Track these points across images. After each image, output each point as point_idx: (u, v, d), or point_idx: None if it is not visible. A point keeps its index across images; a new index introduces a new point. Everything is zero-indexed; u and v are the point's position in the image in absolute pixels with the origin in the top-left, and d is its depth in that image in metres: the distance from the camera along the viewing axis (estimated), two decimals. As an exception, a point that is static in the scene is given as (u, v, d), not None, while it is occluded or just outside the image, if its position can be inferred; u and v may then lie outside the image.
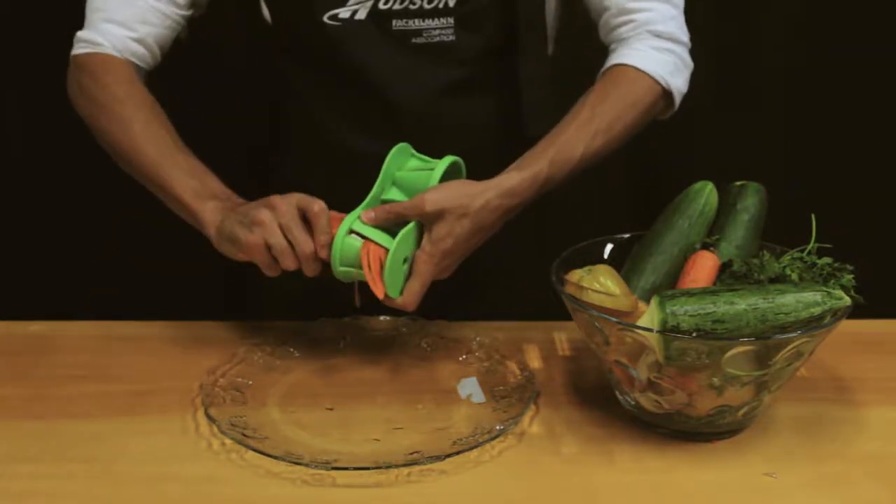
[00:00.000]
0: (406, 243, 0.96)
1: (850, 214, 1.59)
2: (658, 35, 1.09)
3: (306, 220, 0.95)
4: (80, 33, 1.11)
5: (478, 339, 1.10)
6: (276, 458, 0.87)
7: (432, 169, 0.99)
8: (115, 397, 1.00)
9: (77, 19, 1.13)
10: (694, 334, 0.85)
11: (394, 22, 1.09)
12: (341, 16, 1.08)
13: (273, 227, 0.93)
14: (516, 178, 0.99)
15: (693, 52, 1.13)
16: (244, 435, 0.90)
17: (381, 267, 0.94)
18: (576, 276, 0.95)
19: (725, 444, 0.93)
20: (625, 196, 1.78)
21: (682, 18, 1.12)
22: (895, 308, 1.15)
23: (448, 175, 0.99)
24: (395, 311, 1.00)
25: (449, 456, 0.87)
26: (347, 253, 0.95)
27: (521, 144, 1.06)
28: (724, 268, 0.98)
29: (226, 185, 1.04)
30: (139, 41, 1.10)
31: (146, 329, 1.15)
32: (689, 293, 0.88)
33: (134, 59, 1.11)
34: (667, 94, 1.09)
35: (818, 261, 0.94)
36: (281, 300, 1.26)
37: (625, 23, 1.10)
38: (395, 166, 1.01)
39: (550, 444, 0.92)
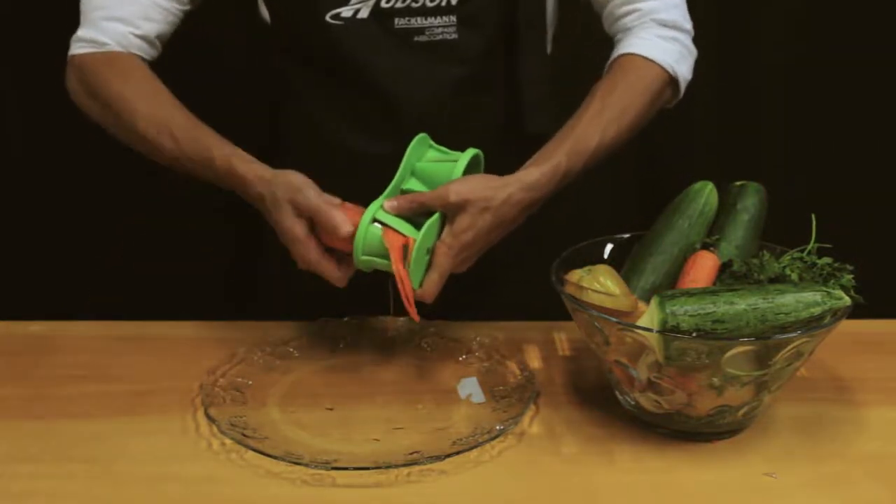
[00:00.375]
0: (430, 233, 0.96)
1: (850, 214, 1.59)
2: (663, 24, 1.10)
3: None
4: (79, 33, 1.11)
5: (478, 339, 1.10)
6: (275, 458, 0.87)
7: (453, 161, 1.00)
8: (115, 397, 1.00)
9: (76, 19, 1.13)
10: (694, 334, 0.85)
11: (396, 20, 1.09)
12: (343, 14, 1.09)
13: (302, 263, 0.98)
14: (536, 173, 1.00)
15: (694, 44, 1.13)
16: (244, 435, 0.90)
17: (406, 256, 0.94)
18: (576, 276, 0.95)
19: (725, 444, 0.93)
20: (625, 196, 1.77)
21: (685, 7, 1.13)
22: (895, 308, 1.15)
23: (468, 167, 1.00)
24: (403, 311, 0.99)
25: (449, 456, 0.87)
26: (370, 241, 0.95)
27: (522, 143, 1.06)
28: (724, 268, 0.98)
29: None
30: (142, 37, 1.10)
31: (146, 329, 1.15)
32: (689, 293, 0.88)
33: (140, 53, 1.11)
34: (673, 81, 1.10)
35: (818, 261, 0.94)
36: (281, 300, 1.26)
37: (629, 12, 1.11)
38: (416, 157, 1.01)
39: (550, 444, 0.92)
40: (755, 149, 1.75)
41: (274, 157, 1.22)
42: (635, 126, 1.07)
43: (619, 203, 1.75)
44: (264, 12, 1.16)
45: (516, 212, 0.99)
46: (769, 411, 0.97)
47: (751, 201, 1.04)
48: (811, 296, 0.87)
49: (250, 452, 0.88)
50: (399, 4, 1.08)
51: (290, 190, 0.96)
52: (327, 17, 1.09)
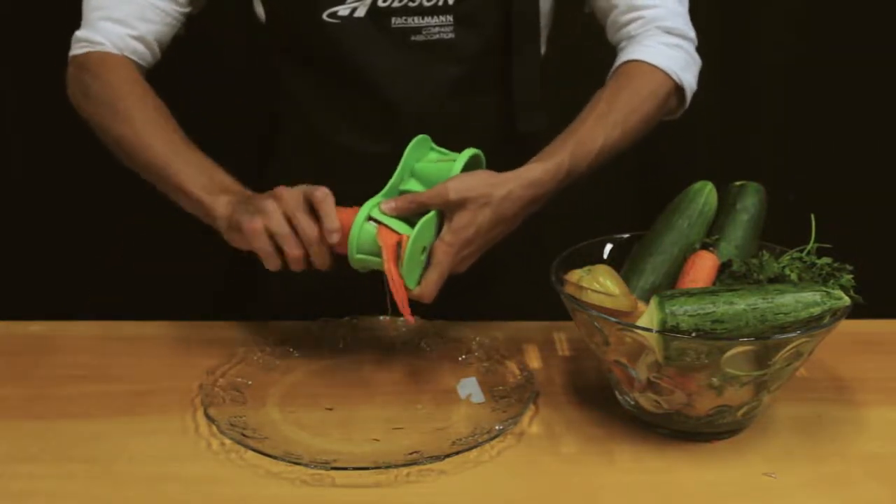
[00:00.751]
0: (426, 231, 0.95)
1: (849, 214, 1.59)
2: (667, 31, 1.10)
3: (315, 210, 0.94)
4: (77, 33, 1.11)
5: (478, 339, 1.10)
6: (275, 458, 0.87)
7: (451, 160, 0.99)
8: (115, 397, 1.00)
9: (77, 19, 1.13)
10: (693, 334, 0.85)
11: (393, 20, 1.09)
12: (340, 13, 1.09)
13: (276, 215, 0.92)
14: (539, 170, 0.99)
15: (696, 51, 1.13)
16: (244, 435, 0.90)
17: (400, 255, 0.93)
18: (575, 276, 0.95)
19: (725, 444, 0.93)
20: (625, 196, 1.77)
21: (688, 16, 1.13)
22: (895, 308, 1.15)
23: (468, 168, 0.99)
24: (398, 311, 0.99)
25: (448, 456, 0.87)
26: (365, 240, 0.94)
27: (520, 143, 1.06)
28: (724, 268, 0.98)
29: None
30: (139, 39, 1.10)
31: (146, 329, 1.15)
32: (689, 293, 0.88)
33: (134, 57, 1.11)
34: (679, 89, 1.09)
35: (817, 261, 0.94)
36: (281, 300, 1.26)
37: (633, 19, 1.11)
38: (415, 158, 1.00)
39: (550, 444, 0.92)
40: (755, 149, 1.75)
41: (272, 157, 1.23)
42: (640, 131, 1.06)
43: (619, 203, 1.75)
44: (260, 11, 1.16)
45: (517, 208, 0.98)
46: (769, 411, 0.97)
47: (750, 201, 1.04)
48: (811, 296, 0.87)
49: (250, 452, 0.88)
50: (396, 4, 1.08)
51: (301, 186, 0.95)
52: (324, 16, 1.09)
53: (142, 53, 1.11)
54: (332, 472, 0.86)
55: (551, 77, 1.20)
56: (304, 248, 0.93)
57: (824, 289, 0.88)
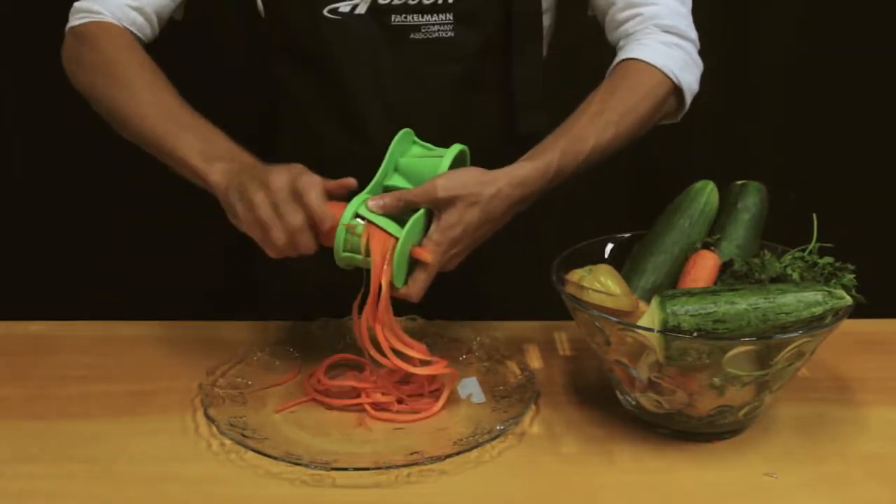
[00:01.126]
0: (415, 231, 0.94)
1: (851, 214, 1.59)
2: (665, 30, 1.08)
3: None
4: (76, 4, 1.11)
5: (478, 339, 1.09)
6: (275, 458, 0.86)
7: (438, 156, 0.97)
8: (115, 397, 1.00)
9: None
10: (695, 334, 0.85)
11: (393, 17, 1.09)
12: (341, 9, 1.08)
13: (263, 206, 0.90)
14: (528, 168, 0.98)
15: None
16: (244, 435, 0.90)
17: (388, 254, 0.92)
18: (576, 275, 0.95)
19: (726, 444, 0.92)
20: (625, 196, 1.77)
21: (689, 17, 1.11)
22: (895, 308, 1.15)
23: (454, 164, 0.98)
24: (396, 305, 0.99)
25: (449, 456, 0.87)
26: (351, 238, 0.92)
27: (520, 144, 1.06)
28: (725, 267, 0.98)
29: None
30: (138, 10, 1.10)
31: (146, 329, 1.15)
32: (690, 293, 0.88)
33: (133, 28, 1.10)
34: (677, 90, 1.08)
35: (819, 260, 0.94)
36: (280, 300, 1.26)
37: (631, 17, 1.10)
38: (399, 152, 0.99)
39: (550, 445, 0.92)
40: (756, 148, 1.75)
41: (270, 156, 1.22)
42: (635, 131, 1.05)
43: (620, 203, 1.75)
44: (260, 6, 1.16)
45: (505, 207, 0.96)
46: (770, 411, 0.97)
47: (752, 200, 1.03)
48: (812, 295, 0.87)
49: (250, 453, 0.88)
50: (396, 1, 1.08)
51: (293, 168, 0.93)
52: (324, 12, 1.09)
53: (140, 25, 1.11)
54: (333, 473, 0.86)
55: (552, 78, 1.19)
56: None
57: (826, 288, 0.88)
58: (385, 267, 0.92)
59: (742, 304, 0.86)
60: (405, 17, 1.09)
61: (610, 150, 1.03)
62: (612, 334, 0.89)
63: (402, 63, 1.11)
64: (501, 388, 1.01)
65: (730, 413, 0.90)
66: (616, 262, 1.01)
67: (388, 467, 0.86)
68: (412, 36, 1.10)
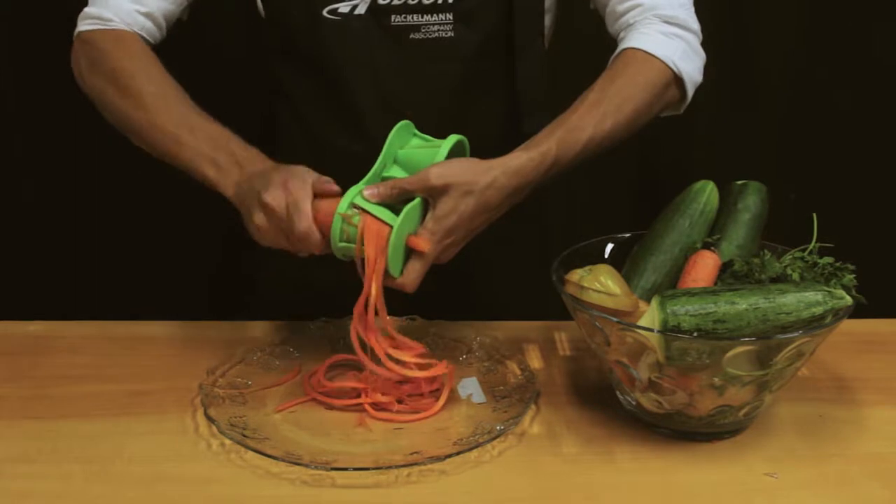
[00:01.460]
0: (410, 220, 0.93)
1: (851, 214, 1.59)
2: (666, 20, 1.07)
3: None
4: (86, 10, 1.11)
5: (478, 339, 1.09)
6: (275, 458, 0.86)
7: (435, 147, 0.97)
8: (114, 397, 1.00)
9: (75, 20, 1.13)
10: (695, 334, 0.85)
11: (393, 17, 1.09)
12: (341, 10, 1.08)
13: (267, 230, 0.93)
14: (524, 158, 0.97)
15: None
16: (243, 435, 0.90)
17: (383, 243, 0.92)
18: (576, 275, 0.94)
19: (726, 444, 0.92)
20: (625, 196, 1.77)
21: (691, 8, 1.11)
22: (895, 308, 1.15)
23: (453, 154, 0.97)
24: (396, 302, 0.99)
25: (449, 456, 0.87)
26: (348, 228, 0.92)
27: (518, 143, 1.06)
28: (725, 267, 0.98)
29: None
30: (147, 15, 1.10)
31: (145, 329, 1.15)
32: (690, 293, 0.87)
33: (143, 33, 1.10)
34: (678, 80, 1.07)
35: (819, 260, 0.94)
36: (281, 300, 1.26)
37: (631, 7, 1.09)
38: (398, 144, 0.99)
39: (551, 445, 0.92)
40: (756, 148, 1.75)
41: (270, 157, 1.22)
42: (634, 121, 1.04)
43: (620, 202, 1.75)
44: (260, 6, 1.16)
45: (501, 197, 0.96)
46: (770, 411, 0.97)
47: (752, 200, 1.03)
48: (812, 295, 0.87)
49: (250, 453, 0.88)
50: (396, 1, 1.08)
51: (287, 170, 0.94)
52: (324, 12, 1.09)
53: (150, 30, 1.11)
54: (333, 473, 0.86)
55: (555, 77, 1.19)
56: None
57: (826, 288, 0.88)
58: (380, 256, 0.91)
59: (742, 304, 0.86)
60: (405, 17, 1.09)
61: (609, 140, 1.02)
62: (612, 334, 0.89)
63: (403, 63, 1.11)
64: (501, 388, 1.01)
65: (730, 413, 0.90)
66: (616, 262, 1.01)
67: (388, 467, 0.86)
68: (412, 36, 1.10)
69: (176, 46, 1.16)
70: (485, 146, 1.03)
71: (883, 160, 1.77)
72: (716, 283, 0.97)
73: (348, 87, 1.12)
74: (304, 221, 0.91)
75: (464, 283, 1.12)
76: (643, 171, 1.77)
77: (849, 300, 0.87)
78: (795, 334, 0.85)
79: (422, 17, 1.09)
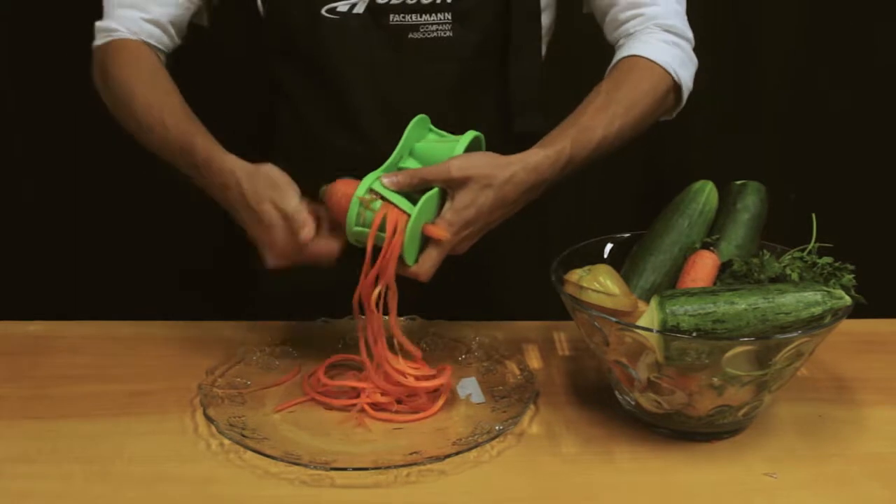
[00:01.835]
0: (428, 209, 0.94)
1: (850, 214, 1.59)
2: (666, 29, 1.09)
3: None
4: (97, 24, 1.12)
5: (478, 339, 1.09)
6: (274, 458, 0.86)
7: (453, 142, 0.97)
8: (114, 397, 1.00)
9: (75, 19, 1.13)
10: (694, 334, 0.85)
11: (391, 17, 1.09)
12: (339, 9, 1.09)
13: (274, 262, 0.97)
14: (541, 155, 0.98)
15: (694, 51, 1.13)
16: (243, 435, 0.90)
17: (402, 230, 0.91)
18: (575, 275, 0.95)
19: (725, 444, 0.92)
20: (624, 196, 1.77)
21: (685, 16, 1.12)
22: (895, 308, 1.15)
23: (469, 150, 0.97)
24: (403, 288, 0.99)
25: (449, 456, 0.87)
26: (364, 213, 0.92)
27: (515, 143, 1.06)
28: (725, 267, 0.98)
29: None
30: (152, 22, 1.11)
31: (145, 329, 1.15)
32: (689, 293, 0.87)
33: (151, 41, 1.12)
34: (676, 87, 1.09)
35: (818, 260, 0.94)
36: (281, 300, 1.26)
37: (633, 17, 1.11)
38: (414, 137, 0.99)
39: (550, 444, 0.92)
40: (755, 148, 1.75)
41: (268, 157, 1.22)
42: (639, 125, 1.05)
43: (619, 203, 1.75)
44: (259, 6, 1.16)
45: (518, 192, 0.97)
46: (769, 411, 0.97)
47: (751, 200, 1.03)
48: (812, 295, 0.87)
49: (249, 453, 0.88)
50: (394, 1, 1.08)
51: (270, 185, 0.95)
52: (322, 11, 1.09)
53: (158, 37, 1.12)
54: (332, 473, 0.86)
55: (550, 79, 1.19)
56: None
57: (825, 288, 0.88)
58: (396, 242, 0.91)
59: (741, 304, 0.86)
60: (403, 17, 1.09)
61: (616, 143, 1.03)
62: (611, 334, 0.89)
63: (401, 63, 1.11)
64: (501, 388, 1.01)
65: (729, 413, 0.90)
66: (615, 262, 1.01)
67: (388, 467, 0.86)
68: (410, 35, 1.10)
69: (174, 53, 1.16)
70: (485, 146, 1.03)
71: (883, 160, 1.77)
72: (715, 283, 0.97)
73: (346, 86, 1.13)
74: (307, 228, 0.92)
75: (464, 283, 1.12)
76: (643, 171, 1.77)
77: (848, 300, 0.87)
78: (795, 334, 0.85)
79: (420, 16, 1.09)
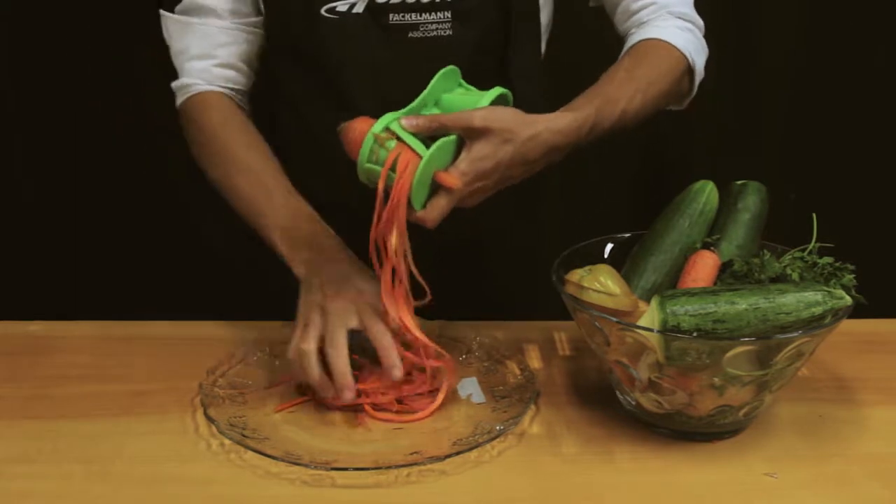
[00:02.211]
0: (442, 155, 0.91)
1: (851, 214, 1.59)
2: (679, 16, 1.10)
3: None
4: (173, 84, 1.14)
5: (478, 339, 1.09)
6: (275, 458, 0.86)
7: (480, 95, 0.96)
8: (114, 397, 1.00)
9: (75, 18, 1.13)
10: (694, 334, 0.85)
11: (391, 16, 1.09)
12: (339, 9, 1.09)
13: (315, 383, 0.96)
14: (568, 118, 0.96)
15: None
16: (243, 435, 0.90)
17: (413, 171, 0.89)
18: (576, 275, 0.95)
19: (726, 444, 0.92)
20: (625, 196, 1.77)
21: (693, 5, 1.13)
22: (895, 308, 1.15)
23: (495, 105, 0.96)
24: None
25: (449, 456, 0.87)
26: (377, 151, 0.90)
27: None
28: (725, 267, 0.98)
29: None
30: (223, 65, 1.12)
31: (145, 329, 1.15)
32: (690, 293, 0.87)
33: (228, 85, 1.13)
34: (690, 71, 1.09)
35: (819, 260, 0.94)
36: (281, 300, 1.26)
37: (645, 6, 1.12)
38: (441, 88, 0.97)
39: (550, 445, 0.92)
40: (756, 148, 1.75)
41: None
42: (656, 104, 1.05)
43: (620, 203, 1.75)
44: (261, 6, 1.16)
45: (540, 152, 0.94)
46: (770, 411, 0.97)
47: (752, 200, 1.03)
48: (812, 295, 0.87)
49: (250, 453, 0.88)
50: (394, 0, 1.08)
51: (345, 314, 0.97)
52: (322, 11, 1.09)
53: (233, 78, 1.13)
54: (333, 473, 0.86)
55: (550, 77, 1.19)
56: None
57: (826, 288, 0.88)
58: (406, 183, 0.89)
59: (742, 304, 0.86)
60: (403, 16, 1.09)
61: (634, 119, 1.03)
62: (612, 334, 0.89)
63: (401, 62, 1.11)
64: (501, 387, 1.01)
65: (730, 413, 0.90)
66: (616, 262, 1.01)
67: (388, 467, 0.86)
68: (410, 34, 1.10)
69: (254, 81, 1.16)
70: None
71: (883, 160, 1.77)
72: (715, 283, 0.97)
73: (346, 85, 1.12)
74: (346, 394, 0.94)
75: (464, 282, 1.12)
76: (643, 170, 1.77)
77: (848, 300, 0.87)
78: (795, 334, 0.85)
79: (420, 15, 1.09)
